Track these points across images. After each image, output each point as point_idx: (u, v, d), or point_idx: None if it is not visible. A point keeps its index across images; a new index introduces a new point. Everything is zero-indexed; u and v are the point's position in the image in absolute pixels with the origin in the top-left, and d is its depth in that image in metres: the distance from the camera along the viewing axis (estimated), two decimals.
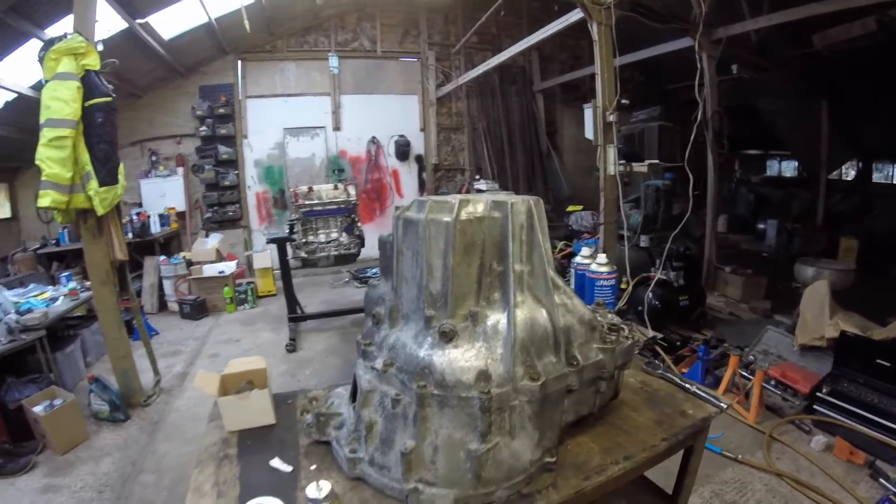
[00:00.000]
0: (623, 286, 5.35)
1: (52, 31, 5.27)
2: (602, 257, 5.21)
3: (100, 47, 3.94)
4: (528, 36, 6.67)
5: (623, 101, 5.27)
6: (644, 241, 5.98)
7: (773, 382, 3.80)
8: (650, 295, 4.96)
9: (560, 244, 7.39)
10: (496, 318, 1.45)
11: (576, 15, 5.31)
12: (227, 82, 8.86)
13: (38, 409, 3.65)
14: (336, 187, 5.82)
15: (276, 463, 1.57)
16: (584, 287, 5.25)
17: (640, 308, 4.99)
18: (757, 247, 8.30)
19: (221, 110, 8.69)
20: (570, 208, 8.07)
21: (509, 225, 1.45)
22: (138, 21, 6.08)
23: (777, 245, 7.90)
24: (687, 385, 1.84)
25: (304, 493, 1.29)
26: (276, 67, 9.15)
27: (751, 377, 3.72)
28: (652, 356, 4.48)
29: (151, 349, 4.80)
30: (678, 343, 4.62)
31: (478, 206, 1.48)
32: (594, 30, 5.15)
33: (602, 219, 5.52)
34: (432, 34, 9.89)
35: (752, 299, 5.96)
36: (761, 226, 8.53)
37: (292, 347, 5.42)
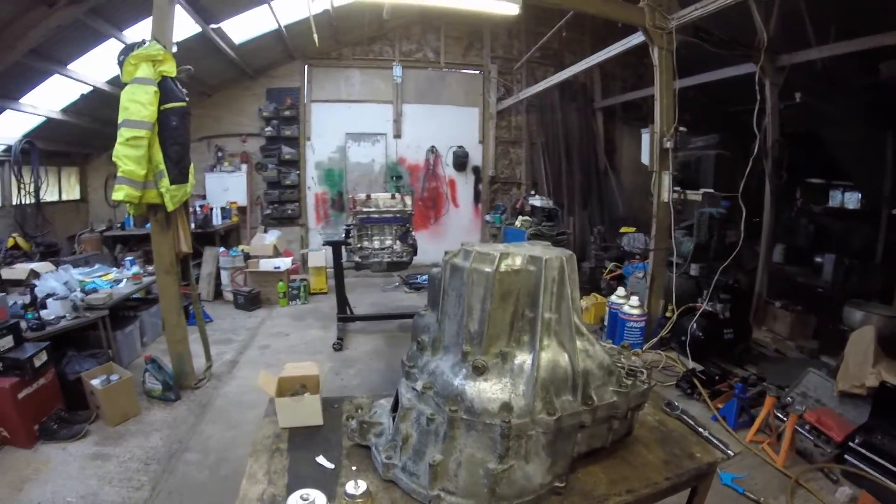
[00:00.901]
0: (668, 314, 5.36)
1: (130, 33, 5.60)
2: (634, 300, 5.30)
3: (174, 49, 4.15)
4: (591, 54, 6.63)
5: (681, 128, 5.24)
6: (694, 269, 5.85)
7: (807, 427, 3.73)
8: (694, 326, 4.94)
9: (610, 265, 7.34)
10: (523, 359, 1.62)
11: (637, 38, 5.27)
12: (294, 86, 9.25)
13: (95, 382, 3.86)
14: (393, 197, 5.92)
15: (321, 460, 1.75)
16: (616, 325, 5.36)
17: (683, 338, 4.97)
18: (813, 281, 7.92)
19: (286, 112, 9.10)
20: (623, 229, 8.01)
21: (542, 278, 1.62)
22: (212, 26, 6.44)
23: (833, 281, 7.58)
24: (700, 429, 1.95)
25: (343, 489, 1.47)
26: (341, 74, 9.48)
27: (785, 419, 3.69)
28: (689, 388, 4.48)
29: (206, 336, 5.01)
30: (717, 377, 4.54)
31: (516, 260, 1.64)
32: (655, 55, 5.11)
33: (653, 245, 5.52)
34: (495, 48, 9.96)
35: (800, 337, 5.79)
36: (819, 259, 8.19)
37: (339, 346, 5.58)
